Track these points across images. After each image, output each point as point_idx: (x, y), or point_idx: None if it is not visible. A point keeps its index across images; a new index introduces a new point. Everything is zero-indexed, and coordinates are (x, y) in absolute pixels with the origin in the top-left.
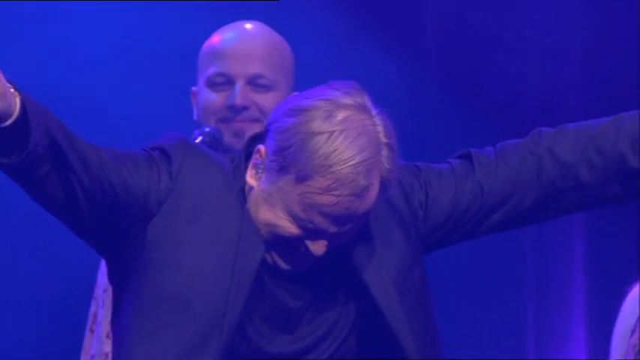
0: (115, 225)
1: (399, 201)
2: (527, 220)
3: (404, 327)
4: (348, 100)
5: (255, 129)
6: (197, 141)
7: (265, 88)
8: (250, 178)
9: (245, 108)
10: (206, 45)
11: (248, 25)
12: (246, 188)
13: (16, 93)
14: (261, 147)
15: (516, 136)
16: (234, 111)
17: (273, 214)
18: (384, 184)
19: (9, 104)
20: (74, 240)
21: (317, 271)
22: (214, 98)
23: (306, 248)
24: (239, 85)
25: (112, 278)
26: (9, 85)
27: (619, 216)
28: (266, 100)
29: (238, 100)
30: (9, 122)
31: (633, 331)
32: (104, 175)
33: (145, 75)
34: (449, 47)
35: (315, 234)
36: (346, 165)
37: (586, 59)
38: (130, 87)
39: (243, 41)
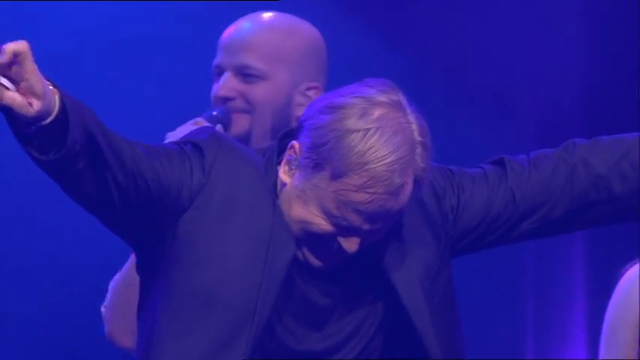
0: (146, 219)
1: (430, 203)
2: (557, 229)
3: (429, 329)
4: (383, 98)
5: (243, 120)
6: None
7: (254, 78)
8: (283, 175)
9: (229, 99)
10: None
11: (259, 15)
12: (278, 184)
13: (55, 90)
14: (295, 143)
15: (519, 130)
16: (220, 102)
17: (306, 211)
18: (417, 183)
19: (49, 102)
20: (74, 241)
21: (346, 270)
22: (213, 90)
23: (339, 245)
24: (225, 75)
25: (141, 269)
26: (48, 82)
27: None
28: (256, 92)
29: (221, 91)
30: (49, 120)
31: None
32: (138, 171)
33: (145, 73)
34: (450, 44)
35: (348, 231)
36: (381, 163)
37: (587, 49)
38: (126, 84)
39: (236, 32)
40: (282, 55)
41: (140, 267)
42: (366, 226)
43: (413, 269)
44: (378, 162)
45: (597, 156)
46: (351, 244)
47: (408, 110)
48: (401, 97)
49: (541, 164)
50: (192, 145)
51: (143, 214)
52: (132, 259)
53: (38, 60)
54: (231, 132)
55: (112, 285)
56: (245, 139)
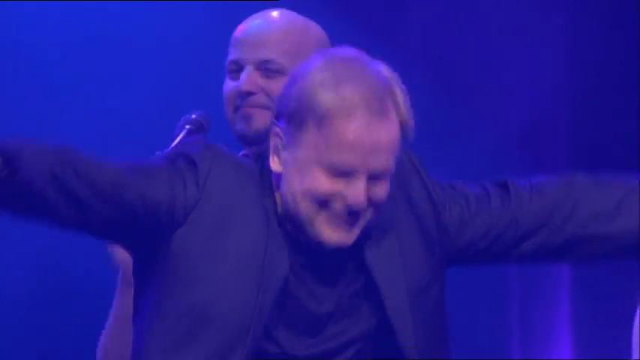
0: (138, 233)
1: (427, 218)
2: (557, 256)
3: (412, 343)
4: (346, 53)
5: (264, 116)
6: (185, 129)
7: (276, 73)
8: (275, 165)
9: (251, 93)
10: None
11: (270, 13)
12: (274, 181)
13: None
14: (276, 128)
15: (504, 137)
16: (241, 96)
17: (308, 178)
18: (403, 128)
19: None
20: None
21: (340, 281)
22: (229, 86)
23: (348, 208)
24: (247, 70)
25: (136, 275)
26: None
27: None
28: (277, 86)
29: (244, 86)
30: None
31: None
32: (119, 193)
33: (148, 73)
34: (436, 49)
35: (350, 177)
36: (357, 90)
37: (573, 58)
38: (121, 84)
39: (254, 27)
40: (301, 50)
41: (135, 272)
42: (363, 167)
43: (402, 283)
44: (353, 91)
45: (599, 195)
46: (357, 194)
47: (373, 60)
48: (364, 54)
49: (544, 193)
50: (185, 158)
51: (133, 229)
52: (115, 305)
53: (33, 60)
54: (252, 127)
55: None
56: (265, 134)
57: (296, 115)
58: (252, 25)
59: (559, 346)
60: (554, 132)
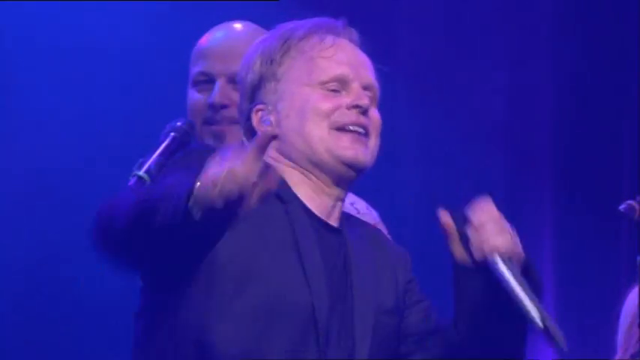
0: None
1: (399, 282)
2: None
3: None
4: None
5: (235, 131)
6: (170, 136)
7: None
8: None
9: (224, 106)
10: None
11: (236, 25)
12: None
13: None
14: (255, 106)
15: (489, 137)
16: (213, 109)
17: (308, 104)
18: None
19: None
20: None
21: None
22: (197, 98)
23: (352, 106)
24: (219, 83)
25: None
26: None
27: (587, 218)
28: None
29: (217, 98)
30: None
31: None
32: None
33: (146, 74)
34: (423, 52)
35: (348, 85)
36: (311, 20)
37: (555, 64)
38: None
39: (226, 40)
40: None
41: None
42: (352, 73)
43: (373, 302)
44: (306, 21)
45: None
46: (357, 94)
47: None
48: None
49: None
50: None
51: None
52: None
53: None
54: (227, 143)
55: None
56: None
57: (269, 67)
58: (219, 36)
59: (542, 346)
60: (538, 133)
